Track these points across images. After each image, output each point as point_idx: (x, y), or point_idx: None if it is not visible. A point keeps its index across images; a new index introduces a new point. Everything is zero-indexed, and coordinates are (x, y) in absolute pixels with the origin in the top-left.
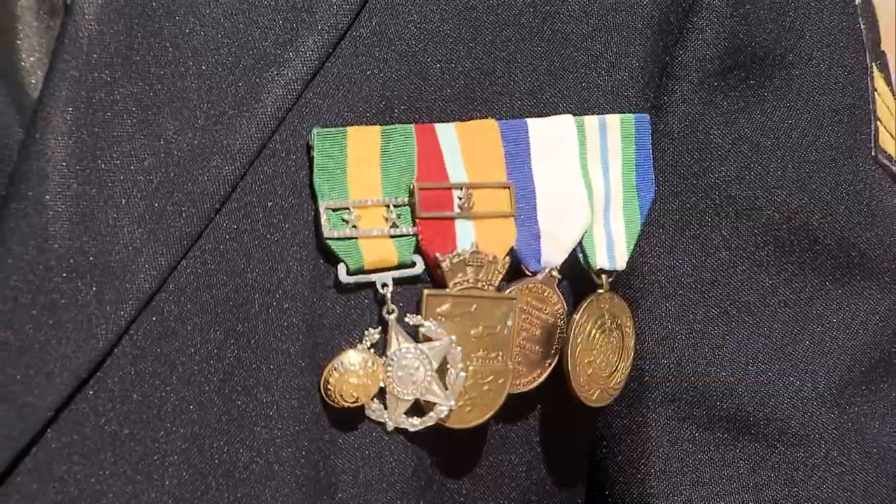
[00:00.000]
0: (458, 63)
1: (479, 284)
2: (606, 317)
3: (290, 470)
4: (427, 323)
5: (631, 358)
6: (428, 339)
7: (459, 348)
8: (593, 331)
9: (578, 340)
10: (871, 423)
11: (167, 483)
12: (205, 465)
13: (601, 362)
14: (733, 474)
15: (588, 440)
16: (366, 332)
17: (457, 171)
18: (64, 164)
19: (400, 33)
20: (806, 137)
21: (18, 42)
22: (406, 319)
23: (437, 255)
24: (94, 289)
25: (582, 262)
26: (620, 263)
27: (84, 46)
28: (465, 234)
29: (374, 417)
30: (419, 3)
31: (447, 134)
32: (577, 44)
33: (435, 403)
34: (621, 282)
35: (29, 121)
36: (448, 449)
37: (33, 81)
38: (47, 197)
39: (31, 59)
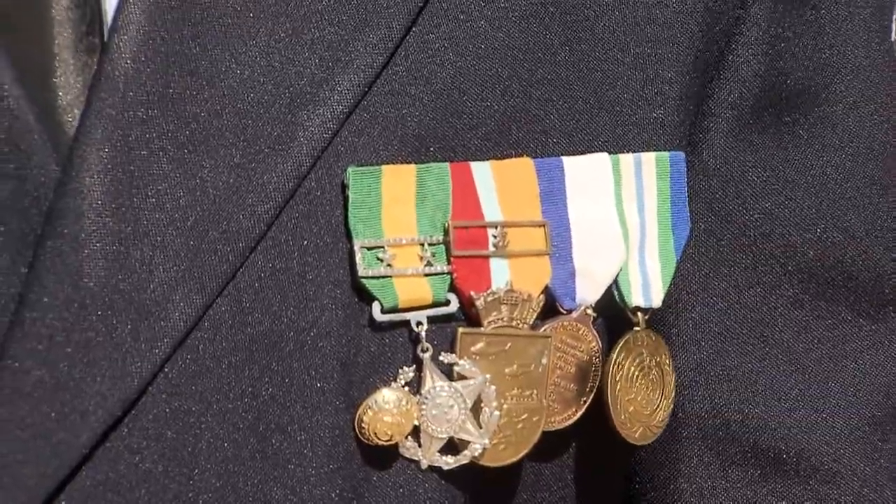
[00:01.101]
0: (494, 102)
1: (514, 323)
2: (644, 354)
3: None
4: (461, 361)
5: (672, 395)
6: (462, 378)
7: (493, 387)
8: (632, 369)
9: (617, 378)
10: None
11: None
12: (238, 503)
13: (642, 400)
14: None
15: (621, 477)
16: (400, 371)
17: (492, 210)
18: (99, 202)
19: (435, 72)
20: (841, 174)
21: (56, 80)
22: (440, 358)
23: (472, 293)
24: (128, 326)
25: (617, 299)
26: (656, 301)
27: (120, 85)
28: (500, 273)
29: (407, 455)
30: (455, 42)
31: (482, 172)
32: (612, 82)
33: (469, 442)
34: (655, 318)
35: (66, 158)
36: (482, 486)
37: (70, 119)
38: (83, 235)
39: (69, 97)
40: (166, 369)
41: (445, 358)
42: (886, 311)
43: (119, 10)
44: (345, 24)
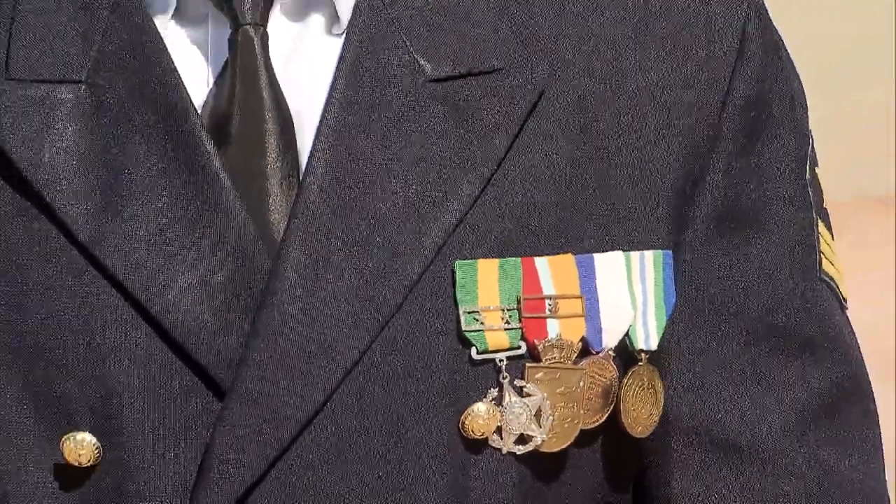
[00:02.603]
0: (548, 217)
1: (562, 360)
2: (645, 381)
3: (440, 478)
4: (528, 385)
5: (661, 406)
6: (528, 395)
7: (549, 401)
8: (637, 390)
9: (628, 396)
10: (825, 448)
11: None
12: (390, 467)
13: (642, 409)
14: (728, 481)
15: (631, 464)
16: (489, 391)
17: (547, 287)
18: (295, 283)
19: (512, 197)
20: (776, 264)
21: (269, 203)
22: (515, 382)
23: (535, 341)
24: (312, 362)
25: (628, 344)
26: (654, 346)
27: (310, 209)
28: (553, 328)
29: (493, 445)
30: (524, 177)
31: (541, 264)
32: (624, 205)
33: (533, 436)
34: (653, 357)
35: (275, 256)
36: (541, 465)
37: (277, 230)
38: (284, 304)
39: (276, 215)
40: (340, 388)
41: (518, 383)
42: (802, 351)
43: (309, 162)
44: (455, 167)
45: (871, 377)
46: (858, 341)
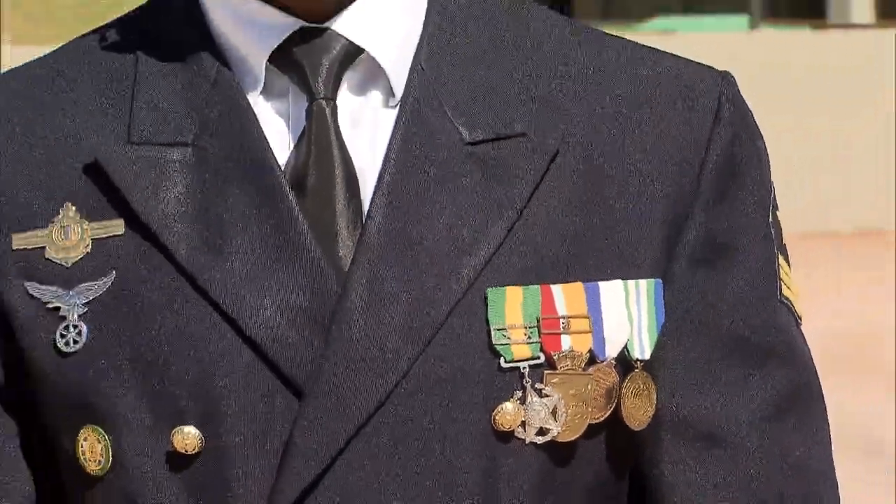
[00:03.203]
0: (562, 253)
1: (573, 368)
2: (641, 384)
3: (476, 462)
4: (546, 388)
5: (654, 404)
6: (546, 396)
7: (563, 401)
8: (634, 391)
9: (627, 396)
10: (784, 437)
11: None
12: (426, 461)
13: (639, 407)
14: (707, 464)
15: (629, 452)
16: (514, 393)
17: (561, 309)
18: (359, 305)
19: (531, 237)
20: (745, 290)
21: (338, 242)
22: (536, 385)
23: (552, 352)
24: (374, 366)
25: (627, 355)
26: (647, 355)
27: (372, 245)
28: (566, 342)
29: (519, 436)
30: (539, 221)
31: (556, 290)
32: (624, 241)
33: (550, 429)
34: (647, 365)
35: (342, 283)
36: (556, 452)
37: (344, 262)
38: (350, 323)
39: (343, 251)
40: (396, 390)
41: (538, 386)
42: (762, 360)
43: (370, 209)
44: (487, 214)
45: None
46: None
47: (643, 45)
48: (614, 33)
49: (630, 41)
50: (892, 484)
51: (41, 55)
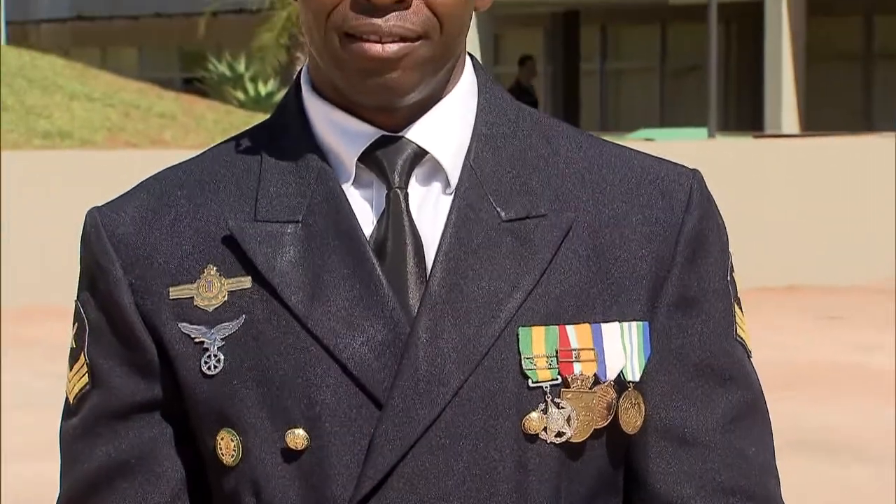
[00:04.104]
0: (574, 301)
1: (583, 387)
2: (633, 399)
3: (510, 457)
4: (562, 402)
5: (643, 415)
6: (563, 408)
7: (575, 411)
8: (628, 405)
9: (623, 409)
10: (739, 440)
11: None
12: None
13: (632, 417)
14: (682, 460)
15: (624, 451)
16: (539, 405)
17: (574, 343)
18: (423, 341)
19: (551, 291)
20: (710, 331)
21: (408, 294)
22: (555, 400)
23: (567, 375)
24: (435, 387)
25: (622, 377)
26: (638, 378)
27: (432, 297)
28: (577, 368)
29: (542, 438)
30: (559, 278)
31: (570, 330)
32: (620, 293)
33: (566, 433)
34: (637, 385)
35: (411, 325)
36: (570, 450)
37: (414, 309)
38: (416, 354)
39: (412, 300)
40: (450, 404)
41: (556, 400)
42: (724, 383)
43: (432, 269)
44: (518, 272)
45: None
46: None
47: (631, 148)
48: (610, 139)
49: (622, 145)
50: (821, 473)
51: (193, 156)
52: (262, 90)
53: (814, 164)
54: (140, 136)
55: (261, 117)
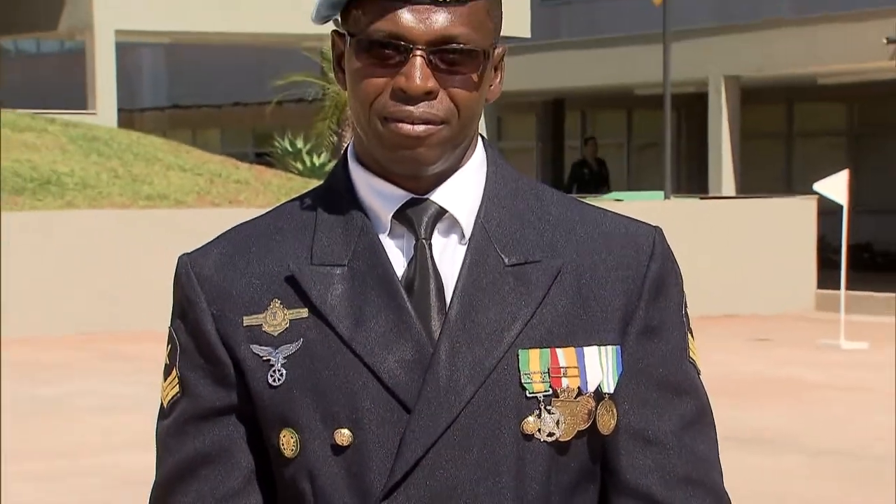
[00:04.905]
0: (562, 329)
1: (569, 397)
2: (608, 407)
3: (510, 453)
4: (553, 409)
5: (616, 419)
6: (553, 413)
7: (563, 416)
8: (604, 411)
9: (600, 414)
10: (692, 440)
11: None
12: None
13: (607, 421)
14: (646, 456)
15: (601, 448)
16: (534, 411)
17: (562, 362)
18: (443, 360)
19: (544, 321)
20: (669, 353)
21: (431, 323)
22: (547, 408)
23: (556, 388)
24: (449, 397)
25: (600, 390)
26: (612, 390)
27: (450, 326)
28: (565, 382)
29: (536, 437)
30: (550, 311)
31: (559, 352)
32: (598, 323)
33: (555, 433)
34: (612, 395)
35: (434, 347)
36: (559, 447)
37: (435, 335)
38: (438, 370)
39: (435, 328)
40: (464, 410)
41: (548, 408)
42: (682, 394)
43: (450, 304)
44: (519, 306)
45: None
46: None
47: (605, 209)
48: (589, 200)
49: (598, 206)
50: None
51: (262, 213)
52: (316, 162)
53: (747, 219)
54: (221, 198)
55: (315, 183)
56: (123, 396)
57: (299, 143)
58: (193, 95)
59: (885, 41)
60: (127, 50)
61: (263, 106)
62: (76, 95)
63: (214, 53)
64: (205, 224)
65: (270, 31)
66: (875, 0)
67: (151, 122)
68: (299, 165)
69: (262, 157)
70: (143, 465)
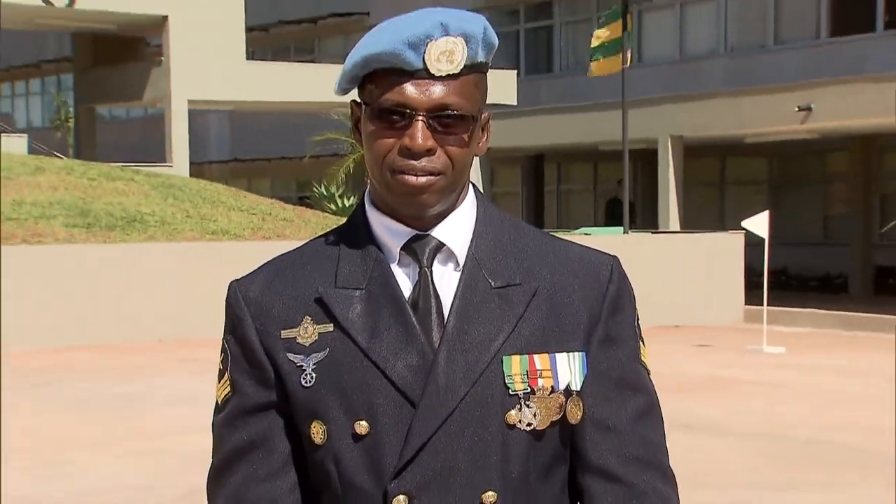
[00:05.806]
0: (538, 339)
1: (543, 394)
2: (575, 402)
3: (496, 440)
4: (531, 404)
5: (582, 411)
6: (531, 407)
7: (539, 410)
8: (572, 405)
9: (569, 407)
10: (644, 428)
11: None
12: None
13: (575, 413)
14: (606, 442)
15: (569, 436)
16: (516, 406)
17: (538, 366)
18: (442, 365)
19: (523, 332)
20: (624, 358)
21: (432, 335)
22: (526, 402)
23: (533, 387)
24: (447, 394)
25: (569, 388)
26: (579, 388)
27: (448, 337)
28: (541, 382)
29: (518, 427)
30: (529, 323)
31: (536, 358)
32: (567, 332)
33: (533, 423)
34: (579, 392)
35: (434, 354)
36: (536, 434)
37: (434, 344)
38: (437, 373)
39: (435, 338)
40: (458, 406)
41: (527, 402)
42: (636, 391)
43: (447, 320)
44: (503, 321)
45: None
46: None
47: (574, 242)
48: (560, 235)
49: (568, 240)
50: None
51: (296, 246)
52: (347, 203)
53: (689, 249)
54: (271, 232)
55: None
56: (192, 390)
57: (332, 189)
58: (250, 151)
59: (797, 109)
60: (197, 115)
61: (304, 159)
62: (157, 151)
63: (266, 118)
64: (258, 253)
65: (309, 100)
66: (790, 76)
67: (216, 172)
68: (332, 206)
69: (303, 200)
70: (206, 447)
